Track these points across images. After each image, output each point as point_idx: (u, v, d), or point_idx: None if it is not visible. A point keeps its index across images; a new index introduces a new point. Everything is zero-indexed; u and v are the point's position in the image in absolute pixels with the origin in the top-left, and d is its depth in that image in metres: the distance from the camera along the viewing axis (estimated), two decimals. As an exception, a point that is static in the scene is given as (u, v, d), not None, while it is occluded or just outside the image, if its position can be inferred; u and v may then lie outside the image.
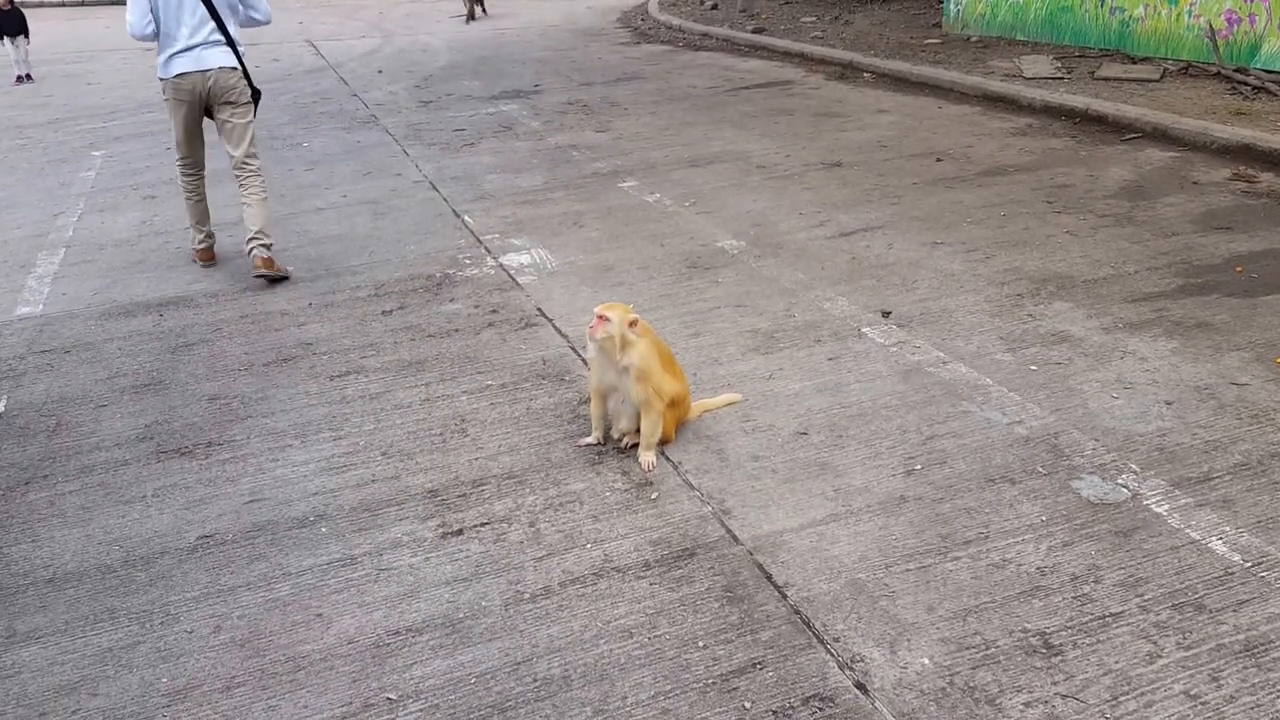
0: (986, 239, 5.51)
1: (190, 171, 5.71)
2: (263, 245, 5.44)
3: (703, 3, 16.88)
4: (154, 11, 5.13)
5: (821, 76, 10.82)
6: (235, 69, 5.36)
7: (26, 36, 13.09)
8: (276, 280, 5.45)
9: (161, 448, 3.79)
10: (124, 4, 5.22)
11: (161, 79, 5.35)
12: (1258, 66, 8.80)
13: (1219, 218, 5.65)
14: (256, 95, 5.57)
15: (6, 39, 12.93)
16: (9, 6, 12.87)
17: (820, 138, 8.04)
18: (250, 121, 5.53)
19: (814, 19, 14.52)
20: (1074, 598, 2.73)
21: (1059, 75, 9.36)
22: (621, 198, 6.73)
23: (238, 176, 5.55)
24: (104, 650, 2.72)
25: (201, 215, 5.80)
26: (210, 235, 5.86)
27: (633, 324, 3.36)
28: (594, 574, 2.93)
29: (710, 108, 9.52)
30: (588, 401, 3.91)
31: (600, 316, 3.35)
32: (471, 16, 18.02)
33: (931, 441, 3.53)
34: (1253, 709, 2.34)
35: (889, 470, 3.37)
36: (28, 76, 13.23)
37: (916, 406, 3.77)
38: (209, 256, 5.85)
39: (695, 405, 3.74)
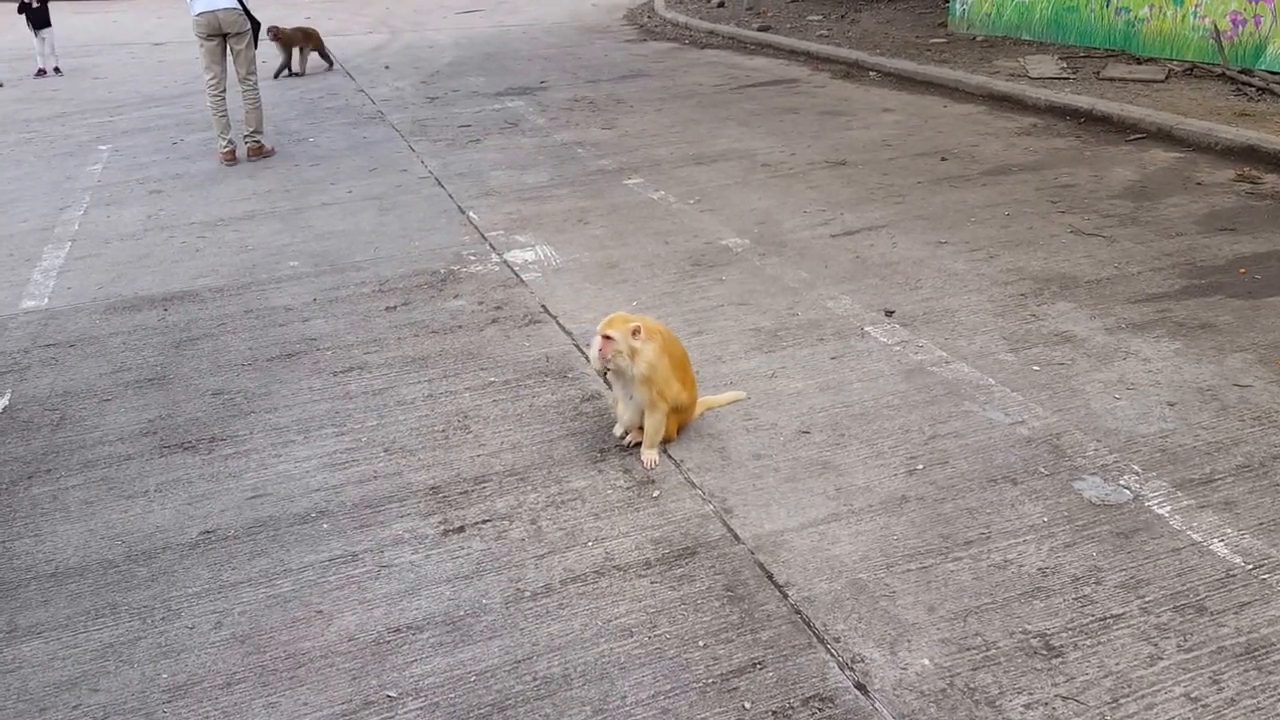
0: (990, 238, 5.50)
1: (215, 91, 7.87)
2: (255, 140, 8.14)
3: (709, 0, 16.85)
4: None
5: (827, 75, 10.80)
6: (236, 8, 7.69)
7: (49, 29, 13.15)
8: (266, 157, 8.24)
9: (165, 442, 3.80)
10: None
11: (192, 16, 7.68)
12: (1263, 68, 8.78)
13: (1223, 219, 5.63)
14: (256, 26, 7.94)
15: (34, 33, 12.98)
16: (39, 2, 12.90)
17: (825, 136, 8.03)
18: (251, 50, 7.94)
19: (820, 17, 14.50)
20: (1075, 599, 2.73)
21: (1064, 75, 9.34)
22: (626, 195, 6.73)
23: (242, 89, 7.98)
24: (105, 645, 2.73)
25: (224, 126, 7.97)
26: (230, 142, 8.03)
27: (635, 332, 3.29)
28: (595, 572, 2.93)
29: (715, 105, 9.51)
30: (590, 399, 3.92)
31: (605, 337, 3.26)
32: (287, 68, 12.40)
33: (933, 441, 3.52)
34: (1253, 712, 2.34)
35: (891, 470, 3.37)
36: (56, 70, 13.26)
37: (919, 406, 3.77)
38: (231, 158, 8.03)
39: (699, 402, 3.73)
